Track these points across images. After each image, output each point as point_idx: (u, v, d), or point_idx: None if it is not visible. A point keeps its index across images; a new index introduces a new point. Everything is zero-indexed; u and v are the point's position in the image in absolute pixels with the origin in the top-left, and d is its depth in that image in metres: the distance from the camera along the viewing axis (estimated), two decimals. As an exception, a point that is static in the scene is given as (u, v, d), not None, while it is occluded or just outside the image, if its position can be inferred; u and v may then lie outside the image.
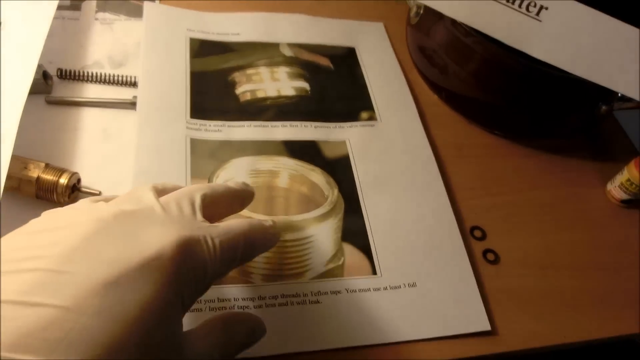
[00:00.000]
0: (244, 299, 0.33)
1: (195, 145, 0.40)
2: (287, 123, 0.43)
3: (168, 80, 0.43)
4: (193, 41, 0.47)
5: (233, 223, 0.27)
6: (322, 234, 0.37)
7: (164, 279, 0.22)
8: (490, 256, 0.39)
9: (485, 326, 0.35)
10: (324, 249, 0.37)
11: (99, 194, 0.36)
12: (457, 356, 0.34)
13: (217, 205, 0.29)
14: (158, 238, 0.23)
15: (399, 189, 0.41)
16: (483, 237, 0.40)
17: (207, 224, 0.26)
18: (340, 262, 0.36)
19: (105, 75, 0.43)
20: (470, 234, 0.40)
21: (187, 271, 0.23)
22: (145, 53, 0.44)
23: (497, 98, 0.45)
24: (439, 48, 0.46)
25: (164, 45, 0.46)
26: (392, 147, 0.44)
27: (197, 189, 0.28)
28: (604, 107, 0.44)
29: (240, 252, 0.27)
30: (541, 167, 0.46)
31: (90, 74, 0.43)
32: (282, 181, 0.40)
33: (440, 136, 0.46)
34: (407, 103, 0.47)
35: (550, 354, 0.36)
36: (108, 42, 0.46)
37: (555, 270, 0.39)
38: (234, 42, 0.48)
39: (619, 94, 0.42)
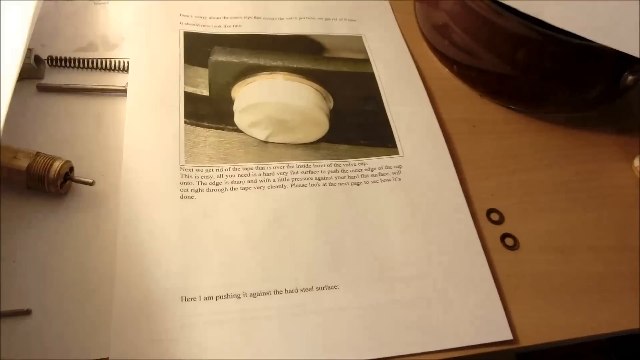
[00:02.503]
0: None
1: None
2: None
3: (159, 71, 0.38)
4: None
5: None
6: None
7: None
8: (509, 241, 0.34)
9: (505, 334, 0.30)
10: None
11: (92, 183, 0.32)
12: (468, 354, 0.29)
13: None
14: None
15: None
16: (500, 220, 0.35)
17: None
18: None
19: (98, 62, 0.38)
20: (487, 217, 0.35)
21: None
22: (134, 40, 0.39)
23: (513, 69, 0.39)
24: (450, 18, 0.40)
25: (154, 36, 0.40)
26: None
27: None
28: (630, 77, 0.38)
29: None
30: (561, 142, 0.41)
31: (82, 61, 0.38)
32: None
33: (451, 112, 0.40)
34: (413, 79, 0.41)
35: (576, 347, 0.32)
36: (102, 23, 0.41)
37: (580, 254, 0.34)
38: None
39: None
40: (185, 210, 0.32)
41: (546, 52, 0.37)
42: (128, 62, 0.38)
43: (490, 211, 0.36)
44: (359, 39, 0.44)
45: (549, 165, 0.39)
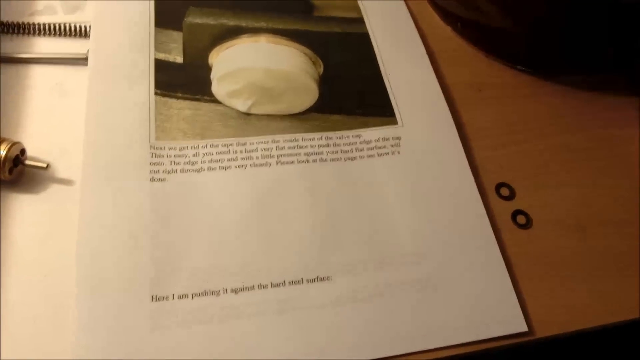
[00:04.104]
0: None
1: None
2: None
3: (126, 36, 0.32)
4: None
5: None
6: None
7: None
8: (521, 219, 0.29)
9: (520, 325, 0.25)
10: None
11: (47, 167, 0.26)
12: (479, 349, 0.25)
13: None
14: None
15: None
16: (511, 195, 0.30)
17: None
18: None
19: (56, 27, 0.32)
20: (496, 192, 0.30)
21: None
22: (97, 1, 0.34)
23: (523, 25, 0.33)
24: None
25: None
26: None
27: None
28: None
29: None
30: (577, 107, 0.35)
31: (37, 27, 0.32)
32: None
33: (455, 75, 0.35)
34: (412, 40, 0.35)
35: (595, 334, 0.28)
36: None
37: (599, 231, 0.29)
38: None
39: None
40: (156, 195, 0.27)
41: (561, 4, 0.32)
42: (89, 27, 0.33)
43: (499, 185, 0.31)
44: (351, -5, 0.38)
45: (563, 132, 0.34)
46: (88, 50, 0.31)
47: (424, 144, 0.31)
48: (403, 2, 0.38)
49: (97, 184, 0.27)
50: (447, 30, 0.37)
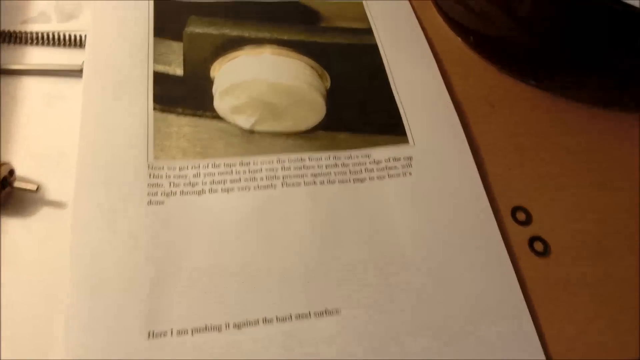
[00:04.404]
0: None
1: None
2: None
3: (123, 46, 0.30)
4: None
5: None
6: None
7: None
8: (539, 246, 0.27)
9: (537, 354, 0.24)
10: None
11: (36, 190, 0.25)
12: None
13: None
14: None
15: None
16: (528, 220, 0.28)
17: None
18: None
19: (49, 36, 0.30)
20: (512, 216, 0.29)
21: None
22: (94, 9, 0.31)
23: (538, 38, 0.32)
24: None
25: (118, 3, 0.32)
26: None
27: None
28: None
29: None
30: (595, 126, 0.33)
31: (30, 36, 0.30)
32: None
33: (467, 90, 0.33)
34: (422, 53, 0.34)
35: None
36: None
37: (623, 260, 0.28)
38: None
39: None
40: (154, 220, 0.25)
41: (581, 18, 0.30)
42: (85, 37, 0.31)
43: (515, 209, 0.29)
44: (359, 5, 0.36)
45: (584, 153, 0.32)
46: (83, 62, 0.29)
47: (437, 165, 0.29)
48: (413, 13, 0.36)
49: (91, 208, 0.25)
50: (458, 43, 0.36)
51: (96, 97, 0.28)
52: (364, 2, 0.36)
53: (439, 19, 0.36)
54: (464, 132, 0.31)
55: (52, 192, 0.25)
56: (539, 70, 0.33)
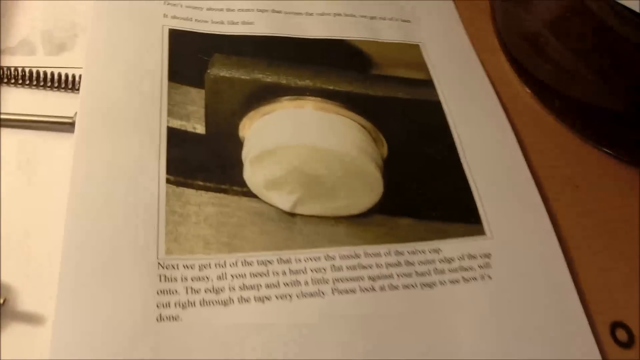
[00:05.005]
0: None
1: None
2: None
3: (128, 93, 0.24)
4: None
5: None
6: None
7: None
8: (651, 381, 0.24)
9: None
10: None
11: (3, 303, 0.17)
12: None
13: None
14: None
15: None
16: (630, 341, 0.23)
17: None
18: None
19: (33, 74, 0.23)
20: (611, 335, 0.23)
21: None
22: (92, 41, 0.24)
23: None
24: (553, 28, 0.27)
25: (124, 35, 0.25)
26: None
27: None
28: None
29: None
30: None
31: (7, 73, 0.23)
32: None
33: (546, 165, 0.27)
34: (494, 114, 0.27)
35: None
36: (45, 11, 0.26)
37: None
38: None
39: None
40: (165, 345, 0.18)
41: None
42: (80, 77, 0.24)
43: (615, 325, 0.24)
44: (415, 49, 0.30)
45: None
46: (76, 113, 0.23)
47: (521, 266, 0.23)
48: (478, 61, 0.30)
49: (78, 328, 0.18)
50: (534, 104, 0.29)
51: (91, 162, 0.21)
52: (419, 44, 0.30)
53: (511, 75, 0.30)
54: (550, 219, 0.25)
55: (25, 302, 0.19)
56: (636, 146, 0.27)
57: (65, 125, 0.22)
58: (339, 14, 0.30)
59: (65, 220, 0.20)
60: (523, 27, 0.28)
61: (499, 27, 0.30)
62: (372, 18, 0.30)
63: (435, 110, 0.27)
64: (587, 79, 0.26)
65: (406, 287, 0.22)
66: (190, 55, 0.26)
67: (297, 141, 0.24)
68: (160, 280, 0.20)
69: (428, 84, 0.28)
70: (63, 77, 0.23)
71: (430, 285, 0.22)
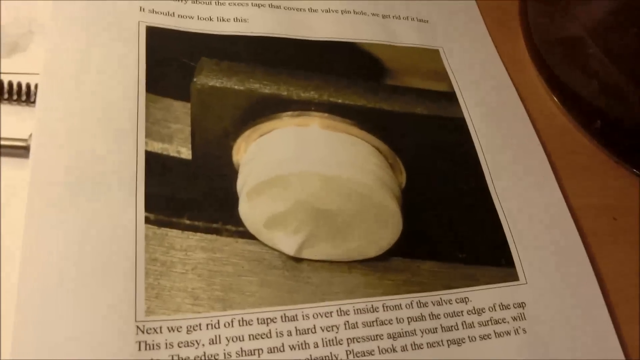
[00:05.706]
0: None
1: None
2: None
3: (96, 107, 0.19)
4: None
5: None
6: None
7: None
8: None
9: None
10: None
11: None
12: None
13: None
14: None
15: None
16: (678, 400, 0.22)
17: None
18: None
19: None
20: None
21: None
22: (52, 41, 0.20)
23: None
24: (603, 42, 0.23)
25: (90, 34, 0.21)
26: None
27: None
28: None
29: None
30: None
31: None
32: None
33: (582, 195, 0.23)
34: (525, 134, 0.24)
35: None
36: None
37: None
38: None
39: None
40: None
41: None
42: (36, 87, 0.20)
43: (658, 381, 0.22)
44: (434, 54, 0.26)
45: None
46: (31, 135, 0.19)
47: (559, 317, 0.20)
48: (505, 71, 0.26)
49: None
50: (568, 125, 0.25)
51: (49, 199, 0.17)
52: (440, 49, 0.26)
53: (542, 89, 0.26)
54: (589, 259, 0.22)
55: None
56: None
57: (19, 149, 0.18)
58: (348, 11, 0.26)
59: (19, 270, 0.16)
60: (560, 32, 0.25)
61: (531, 32, 0.26)
62: (384, 17, 0.26)
63: (460, 129, 0.23)
64: (638, 97, 0.23)
65: (431, 345, 0.19)
66: (173, 60, 0.22)
67: (302, 168, 0.20)
68: (140, 349, 0.16)
69: (451, 97, 0.24)
70: (15, 87, 0.19)
71: (458, 342, 0.19)
